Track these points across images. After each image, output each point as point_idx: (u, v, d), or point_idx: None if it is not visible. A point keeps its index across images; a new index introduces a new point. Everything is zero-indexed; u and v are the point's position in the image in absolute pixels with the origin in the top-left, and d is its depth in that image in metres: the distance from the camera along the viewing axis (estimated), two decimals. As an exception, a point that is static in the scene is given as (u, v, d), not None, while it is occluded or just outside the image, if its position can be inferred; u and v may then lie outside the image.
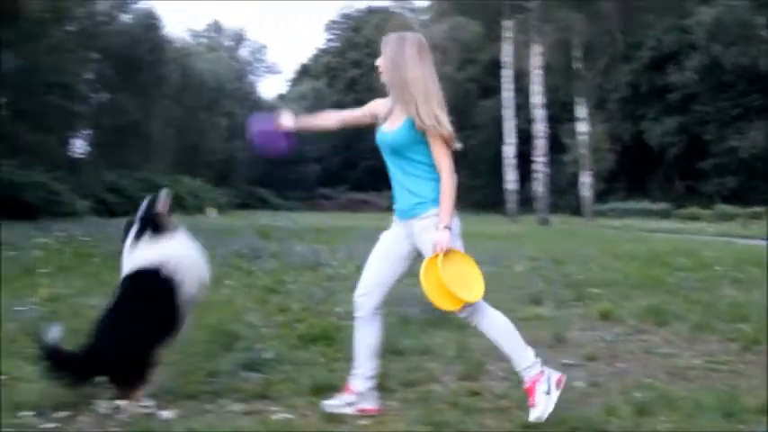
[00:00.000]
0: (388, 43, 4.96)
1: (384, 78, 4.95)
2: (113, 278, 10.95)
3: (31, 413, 4.56)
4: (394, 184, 5.07)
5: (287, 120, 5.30)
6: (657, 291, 10.66)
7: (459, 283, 4.70)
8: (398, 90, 4.87)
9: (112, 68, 50.91)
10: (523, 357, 4.82)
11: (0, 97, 39.53)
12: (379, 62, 4.97)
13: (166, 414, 4.63)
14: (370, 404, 4.98)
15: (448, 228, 4.80)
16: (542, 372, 4.74)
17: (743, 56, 46.81)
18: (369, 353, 5.10)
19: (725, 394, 5.06)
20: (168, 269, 5.10)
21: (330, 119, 5.66)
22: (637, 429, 4.42)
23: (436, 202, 4.89)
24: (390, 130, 4.93)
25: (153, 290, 5.08)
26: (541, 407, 4.60)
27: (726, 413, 4.67)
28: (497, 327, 4.98)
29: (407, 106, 4.80)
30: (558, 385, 4.67)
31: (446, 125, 4.86)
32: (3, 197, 27.63)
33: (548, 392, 4.64)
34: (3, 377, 5.31)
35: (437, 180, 4.93)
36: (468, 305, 4.79)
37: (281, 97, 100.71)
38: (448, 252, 4.74)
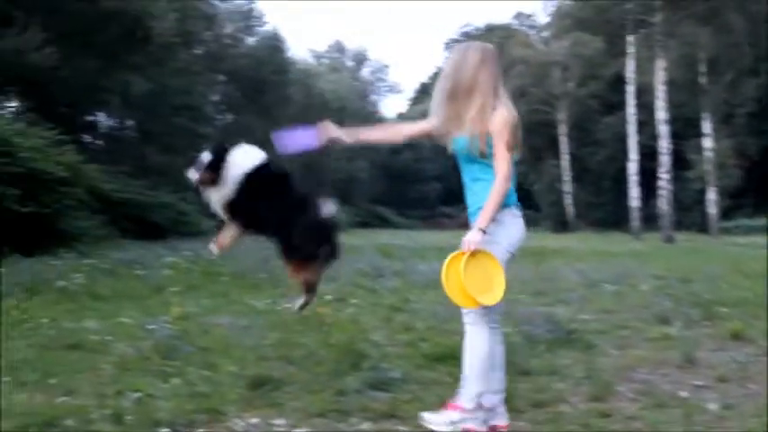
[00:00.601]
0: (454, 51, 5.10)
1: (447, 84, 4.99)
2: (241, 297, 11.23)
3: (167, 430, 4.66)
4: (465, 189, 5.16)
5: (329, 131, 5.61)
6: (790, 310, 10.35)
7: (478, 284, 4.77)
8: (463, 95, 4.92)
9: (238, 90, 51.98)
10: (471, 391, 4.89)
11: (129, 119, 40.68)
12: (444, 67, 5.09)
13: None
14: (499, 420, 4.98)
15: (482, 230, 4.78)
16: (472, 411, 4.85)
17: None
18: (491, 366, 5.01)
19: None
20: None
21: (396, 132, 5.72)
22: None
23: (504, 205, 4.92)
24: (461, 136, 4.97)
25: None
26: (435, 419, 4.88)
27: None
28: (480, 347, 4.98)
29: (470, 111, 4.88)
30: None
31: (506, 128, 4.90)
32: (133, 217, 28.38)
33: (452, 423, 4.83)
34: (138, 395, 5.43)
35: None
36: (483, 306, 4.85)
37: (401, 116, 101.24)
38: (476, 253, 4.76)
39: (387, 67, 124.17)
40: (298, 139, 5.72)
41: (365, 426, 4.90)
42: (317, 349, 7.06)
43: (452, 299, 4.87)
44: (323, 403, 5.37)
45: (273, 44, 55.04)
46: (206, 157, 6.10)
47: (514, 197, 5.11)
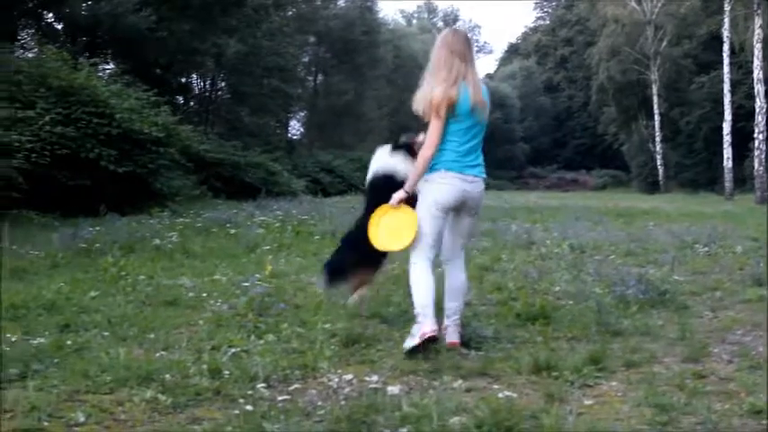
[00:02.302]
0: None
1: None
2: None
3: (263, 385, 4.73)
4: None
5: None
6: None
7: (394, 233, 5.96)
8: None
9: (328, 51, 52.15)
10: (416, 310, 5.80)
11: (222, 81, 41.09)
12: None
13: (392, 389, 4.71)
14: (450, 338, 5.98)
15: (407, 191, 5.91)
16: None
17: None
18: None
19: None
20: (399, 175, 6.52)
21: None
22: None
23: (433, 168, 5.87)
24: None
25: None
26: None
27: None
28: (414, 279, 5.98)
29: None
30: (421, 336, 5.53)
31: (435, 100, 5.77)
32: (225, 177, 28.78)
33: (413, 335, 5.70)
34: (235, 349, 5.52)
35: (440, 150, 5.84)
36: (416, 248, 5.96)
37: (490, 77, 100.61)
38: (400, 208, 5.94)
39: (477, 27, 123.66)
40: None
41: (457, 383, 4.90)
42: (408, 307, 7.07)
43: (373, 244, 6.09)
44: (415, 361, 5.40)
45: (364, 5, 55.04)
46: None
47: (455, 160, 5.85)
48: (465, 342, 5.93)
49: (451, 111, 5.76)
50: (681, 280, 9.52)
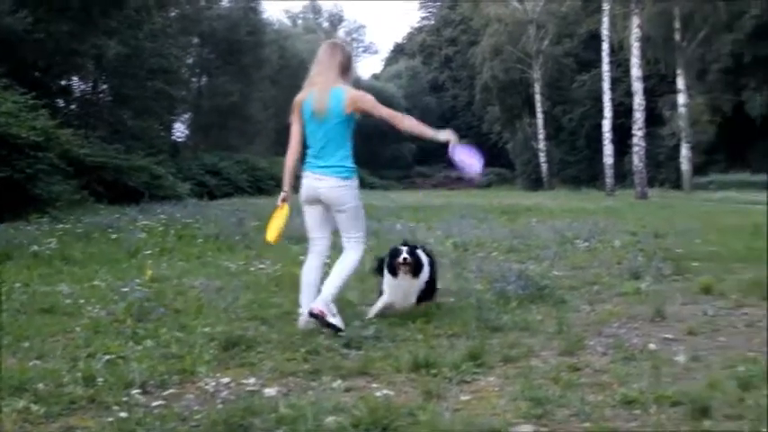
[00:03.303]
0: None
1: None
2: (215, 259, 11.24)
3: (139, 391, 4.67)
4: None
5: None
6: (761, 264, 10.41)
7: (276, 227, 7.04)
8: None
9: (213, 53, 51.71)
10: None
11: (103, 84, 40.35)
12: None
13: (269, 391, 4.70)
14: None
15: (284, 191, 6.95)
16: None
17: None
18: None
19: (831, 368, 4.93)
20: None
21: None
22: (741, 403, 4.32)
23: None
24: None
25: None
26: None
27: (832, 387, 4.56)
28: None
29: None
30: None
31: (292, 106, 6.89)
32: (107, 182, 28.24)
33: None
34: (112, 356, 5.44)
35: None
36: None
37: (376, 77, 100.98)
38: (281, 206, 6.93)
39: (362, 27, 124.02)
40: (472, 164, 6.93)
41: (336, 383, 4.91)
42: (290, 309, 7.08)
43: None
44: (295, 362, 5.41)
45: (248, 5, 54.60)
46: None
47: (309, 161, 6.76)
48: (347, 342, 5.93)
49: (300, 115, 6.79)
50: (560, 275, 9.73)
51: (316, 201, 6.72)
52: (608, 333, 6.43)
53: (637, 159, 42.19)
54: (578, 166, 64.30)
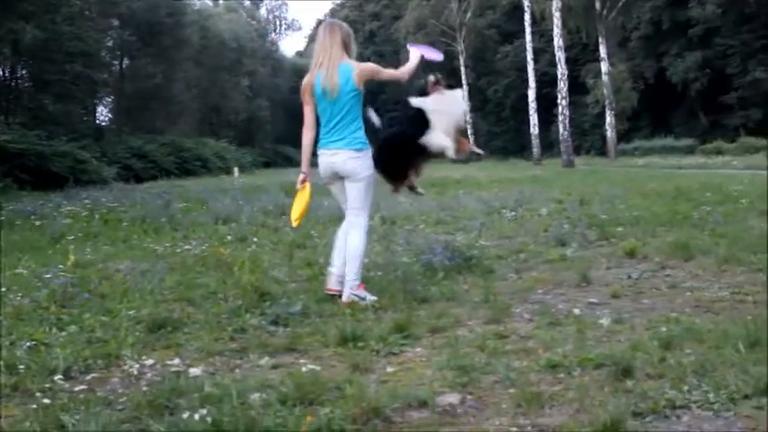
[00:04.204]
0: None
1: None
2: (141, 242, 11.15)
3: (62, 377, 4.60)
4: None
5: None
6: (684, 226, 10.61)
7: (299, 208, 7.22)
8: None
9: (133, 35, 51.06)
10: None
11: (22, 69, 39.66)
12: None
13: (195, 371, 4.66)
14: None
15: (303, 172, 7.17)
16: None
17: (766, -14, 45.96)
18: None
19: (751, 324, 5.00)
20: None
21: None
22: (662, 363, 4.39)
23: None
24: None
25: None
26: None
27: (752, 343, 4.63)
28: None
29: None
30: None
31: (301, 88, 7.09)
32: (30, 168, 27.84)
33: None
34: (34, 342, 5.36)
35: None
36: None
37: (300, 54, 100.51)
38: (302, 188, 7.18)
39: (284, 4, 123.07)
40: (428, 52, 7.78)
41: (263, 361, 4.89)
42: (217, 289, 7.04)
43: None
44: (222, 342, 5.38)
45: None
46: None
47: (323, 138, 6.91)
48: (275, 320, 5.92)
49: (312, 96, 6.91)
50: (487, 245, 9.80)
51: (334, 176, 6.94)
52: (534, 300, 6.50)
53: (562, 128, 42.70)
54: (505, 136, 64.83)
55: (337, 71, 6.73)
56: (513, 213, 13.32)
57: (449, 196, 18.04)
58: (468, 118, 62.38)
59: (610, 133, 49.32)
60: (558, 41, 43.84)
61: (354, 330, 5.33)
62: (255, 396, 4.06)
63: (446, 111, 7.44)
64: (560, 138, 43.13)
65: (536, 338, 5.17)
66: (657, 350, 4.63)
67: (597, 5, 49.85)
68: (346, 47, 6.92)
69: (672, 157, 43.23)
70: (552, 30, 44.51)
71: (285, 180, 26.41)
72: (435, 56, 7.81)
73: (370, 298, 6.53)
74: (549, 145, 50.43)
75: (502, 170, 36.46)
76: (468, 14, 64.08)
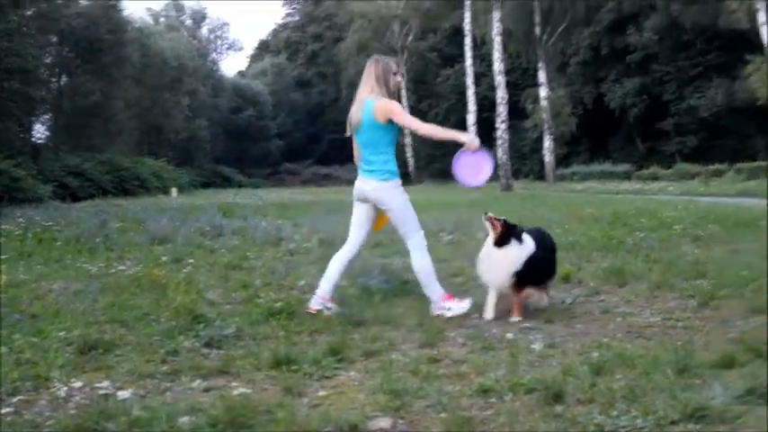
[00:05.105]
0: None
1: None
2: (75, 262, 11.01)
3: (-12, 398, 4.54)
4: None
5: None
6: (619, 252, 10.74)
7: None
8: None
9: (72, 51, 50.52)
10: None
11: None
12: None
13: (124, 394, 4.62)
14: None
15: None
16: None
17: (702, 15, 46.62)
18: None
19: (681, 350, 5.10)
20: None
21: None
22: (593, 388, 4.44)
23: None
24: None
25: None
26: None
27: (681, 369, 4.71)
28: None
29: None
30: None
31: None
32: (-37, 186, 27.44)
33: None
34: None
35: None
36: None
37: (242, 74, 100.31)
38: None
39: (226, 24, 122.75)
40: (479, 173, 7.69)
41: (195, 384, 4.86)
42: (151, 311, 6.97)
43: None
44: (153, 364, 5.33)
45: (108, 3, 53.43)
46: None
47: (359, 166, 7.45)
48: (208, 342, 5.88)
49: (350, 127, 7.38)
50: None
51: (363, 200, 7.44)
52: (468, 324, 6.56)
53: (501, 152, 43.01)
54: (445, 159, 64.58)
55: (362, 106, 7.19)
56: (451, 237, 13.40)
57: (386, 219, 18.05)
58: (408, 141, 62.76)
59: (548, 158, 49.80)
60: (498, 66, 44.22)
61: (288, 353, 5.32)
62: (185, 419, 4.04)
63: None
64: (499, 161, 43.43)
65: (469, 363, 5.21)
66: (588, 375, 4.69)
67: (537, 31, 50.41)
68: (380, 82, 7.24)
69: (610, 182, 43.73)
70: (493, 54, 44.88)
71: (223, 200, 26.33)
72: (471, 179, 7.76)
73: (462, 305, 7.10)
74: (489, 168, 50.80)
75: (441, 193, 36.56)
76: (410, 37, 64.53)
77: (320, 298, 7.14)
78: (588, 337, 5.95)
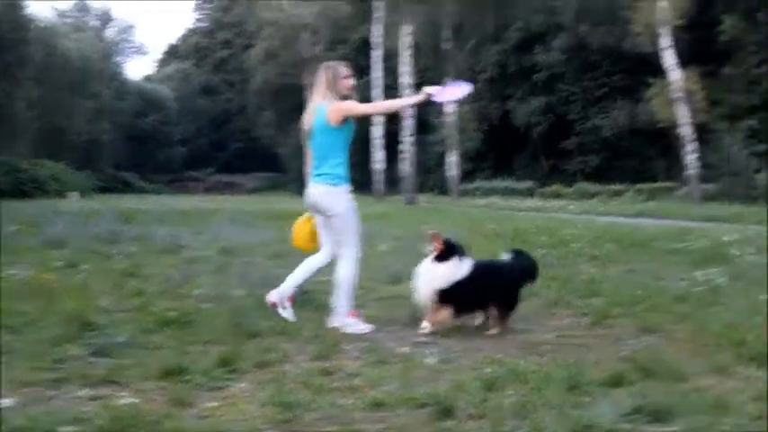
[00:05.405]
0: None
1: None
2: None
3: None
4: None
5: None
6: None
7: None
8: None
9: (-29, 50, 49.53)
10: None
11: None
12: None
13: (6, 402, 4.49)
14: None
15: None
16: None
17: (608, 36, 47.36)
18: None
19: (573, 367, 5.17)
20: None
21: None
22: (484, 404, 4.47)
23: None
24: None
25: None
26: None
27: (572, 386, 4.77)
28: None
29: None
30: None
31: None
32: None
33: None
34: None
35: None
36: None
37: (148, 78, 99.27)
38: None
39: (132, 27, 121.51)
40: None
41: (81, 393, 4.76)
42: (39, 317, 6.81)
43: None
44: (39, 372, 5.19)
45: (9, 1, 52.42)
46: None
47: (310, 172, 7.52)
48: (98, 350, 5.76)
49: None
50: (324, 279, 9.78)
51: (314, 208, 7.47)
52: (364, 337, 6.55)
53: (406, 166, 43.16)
54: (351, 171, 65.04)
55: (314, 111, 7.26)
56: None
57: (289, 229, 18.01)
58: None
59: (453, 172, 50.13)
60: (405, 79, 44.42)
61: (179, 363, 5.25)
62: (68, 429, 3.96)
63: None
64: (404, 175, 43.65)
65: (362, 376, 5.21)
66: (480, 391, 4.72)
67: (447, 46, 50.77)
68: (330, 86, 7.24)
69: (513, 198, 44.30)
70: (401, 67, 45.06)
71: (123, 206, 25.98)
72: (457, 93, 7.62)
73: (361, 327, 6.96)
74: (394, 182, 50.88)
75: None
76: (320, 47, 64.44)
77: (279, 293, 7.37)
78: (482, 352, 5.98)
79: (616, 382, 4.96)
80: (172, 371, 5.15)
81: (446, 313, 6.90)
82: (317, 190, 7.28)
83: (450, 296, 6.85)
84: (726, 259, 11.44)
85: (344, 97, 7.23)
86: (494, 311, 7.01)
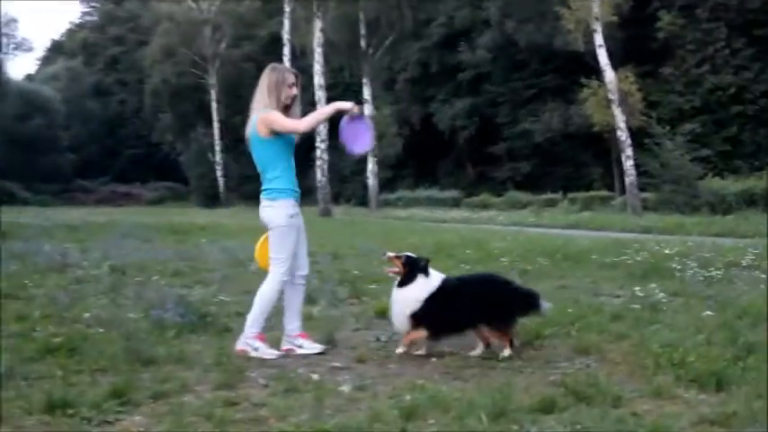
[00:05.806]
0: None
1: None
2: None
3: None
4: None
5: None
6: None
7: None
8: None
9: None
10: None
11: None
12: None
13: None
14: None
15: None
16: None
17: (537, 33, 47.65)
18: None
19: (499, 393, 5.19)
20: None
21: None
22: (401, 434, 4.49)
23: None
24: None
25: None
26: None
27: (498, 413, 4.80)
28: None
29: None
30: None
31: None
32: None
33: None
34: None
35: None
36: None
37: (30, 78, 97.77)
38: None
39: (14, 21, 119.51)
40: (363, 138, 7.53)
41: (-48, 430, 4.69)
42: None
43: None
44: None
45: None
46: None
47: None
48: None
49: None
50: (228, 300, 9.76)
51: (262, 224, 7.43)
52: (272, 363, 6.55)
53: (320, 174, 43.16)
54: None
55: (250, 122, 7.25)
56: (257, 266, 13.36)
57: (190, 244, 17.94)
58: (218, 159, 62.45)
59: (372, 181, 50.17)
60: (318, 80, 44.38)
61: (64, 395, 5.18)
62: None
63: None
64: (318, 184, 43.59)
65: (269, 406, 5.19)
66: (398, 420, 4.74)
67: (362, 43, 50.85)
68: (271, 93, 7.21)
69: (437, 209, 44.41)
70: (313, 66, 45.01)
71: (2, 219, 25.50)
72: (357, 146, 7.60)
73: (266, 351, 6.94)
74: (308, 191, 50.75)
75: (253, 217, 36.36)
76: (223, 44, 64.20)
77: (290, 337, 7.23)
78: (402, 378, 6.00)
79: (547, 408, 5.01)
80: (56, 404, 5.08)
81: (420, 333, 6.92)
82: (261, 205, 7.34)
83: (426, 316, 6.88)
84: (666, 274, 11.62)
85: (285, 107, 7.19)
86: (484, 330, 7.01)
